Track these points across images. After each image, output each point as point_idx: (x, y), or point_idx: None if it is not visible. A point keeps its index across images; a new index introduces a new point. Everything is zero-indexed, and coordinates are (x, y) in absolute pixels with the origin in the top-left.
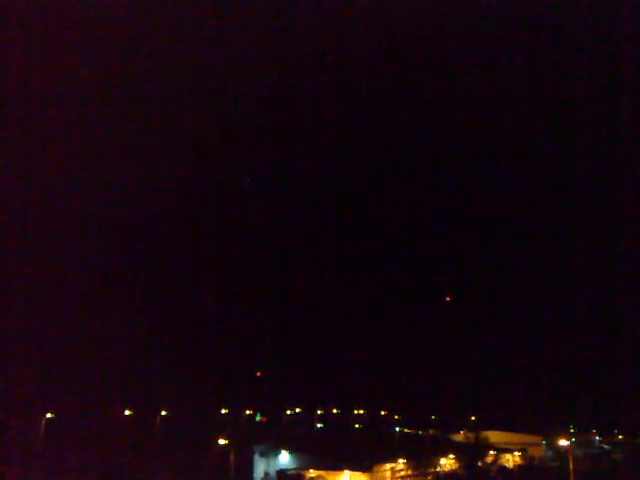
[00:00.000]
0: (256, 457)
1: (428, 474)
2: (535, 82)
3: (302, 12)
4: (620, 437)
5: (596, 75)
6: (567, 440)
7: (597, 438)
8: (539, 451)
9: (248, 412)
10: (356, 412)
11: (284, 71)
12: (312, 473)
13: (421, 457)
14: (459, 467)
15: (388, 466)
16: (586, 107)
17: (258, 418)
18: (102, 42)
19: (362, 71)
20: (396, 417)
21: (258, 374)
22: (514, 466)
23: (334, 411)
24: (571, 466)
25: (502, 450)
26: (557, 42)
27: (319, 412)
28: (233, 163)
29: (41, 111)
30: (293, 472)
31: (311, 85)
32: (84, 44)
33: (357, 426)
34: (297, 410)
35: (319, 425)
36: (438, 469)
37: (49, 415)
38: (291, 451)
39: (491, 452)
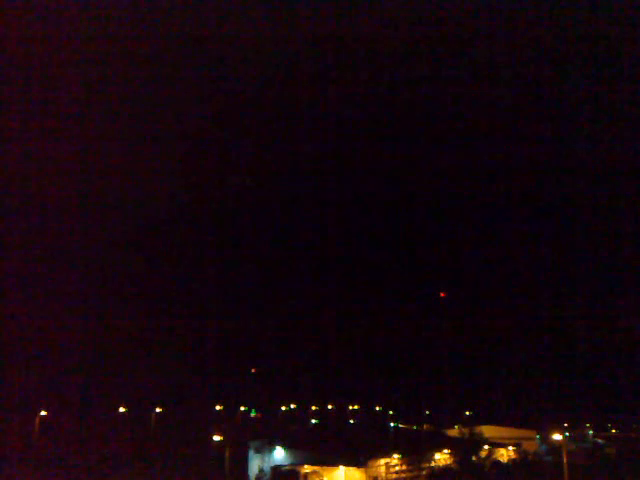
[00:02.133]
0: (251, 453)
1: (422, 469)
2: (535, 82)
3: (302, 11)
4: (613, 431)
5: (597, 75)
6: (561, 434)
7: (590, 432)
8: (533, 445)
9: (243, 408)
10: (351, 408)
11: (285, 71)
12: (307, 469)
13: (415, 452)
14: (453, 462)
15: (383, 461)
16: (587, 107)
17: (253, 414)
18: (101, 41)
19: (362, 70)
20: (391, 412)
21: (253, 370)
22: (508, 460)
23: (329, 407)
24: (564, 460)
25: (496, 445)
26: (558, 42)
27: (314, 408)
28: (234, 163)
29: (43, 112)
30: (288, 468)
31: (311, 84)
32: (83, 42)
33: (352, 422)
34: (292, 406)
35: (314, 421)
36: (432, 464)
37: (43, 412)
38: (286, 447)
39: (485, 447)
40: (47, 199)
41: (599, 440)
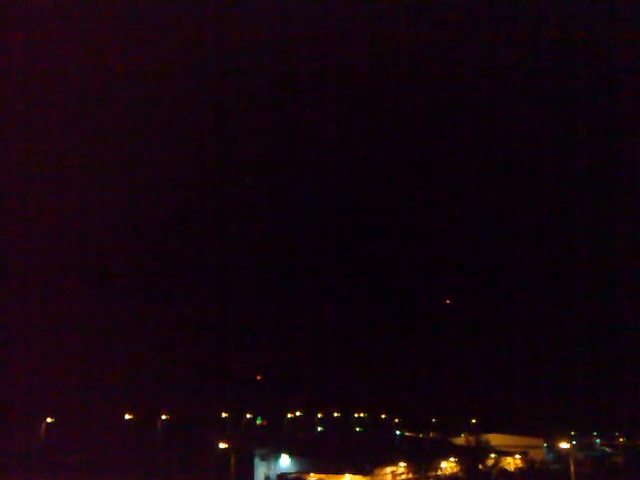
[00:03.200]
0: (257, 461)
1: (429, 477)
2: (534, 86)
3: (304, 14)
4: (620, 440)
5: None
6: (568, 443)
7: (598, 441)
8: (540, 454)
9: (249, 416)
10: (357, 415)
11: (286, 71)
12: (313, 477)
13: (422, 460)
14: (460, 470)
15: (389, 469)
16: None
17: (259, 422)
18: (102, 41)
19: (364, 72)
20: (397, 420)
21: (258, 378)
22: (515, 469)
23: (335, 414)
24: (572, 469)
25: (503, 453)
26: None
27: (320, 415)
28: (235, 163)
29: (42, 111)
30: (294, 475)
31: (313, 85)
32: (84, 43)
33: (358, 429)
34: (298, 414)
35: (320, 428)
36: (439, 472)
37: (49, 420)
38: (292, 455)
39: (492, 455)
40: (48, 198)
41: (606, 449)
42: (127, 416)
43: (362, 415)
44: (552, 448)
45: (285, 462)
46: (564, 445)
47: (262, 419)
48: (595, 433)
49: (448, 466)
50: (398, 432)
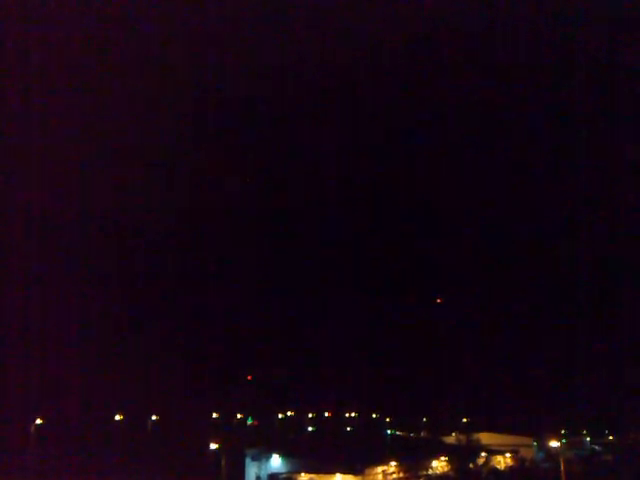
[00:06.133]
0: (248, 461)
1: (419, 476)
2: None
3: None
4: (610, 438)
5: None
6: (558, 441)
7: (588, 439)
8: (530, 452)
9: (239, 416)
10: (348, 415)
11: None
12: (304, 476)
13: (412, 460)
14: (451, 469)
15: (380, 469)
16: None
17: (249, 422)
18: (101, 41)
19: (362, 73)
20: (388, 420)
21: (249, 378)
22: (505, 468)
23: (325, 414)
24: (562, 467)
25: (493, 452)
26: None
27: (310, 415)
28: (234, 163)
29: (40, 111)
30: (285, 476)
31: (313, 85)
32: (84, 43)
33: (349, 429)
34: (289, 414)
35: (310, 428)
36: (430, 471)
37: (38, 421)
38: (283, 455)
39: (482, 454)
40: (45, 200)
41: (596, 447)
42: (117, 417)
43: (353, 415)
44: (542, 447)
45: (276, 462)
46: (554, 444)
47: (253, 419)
48: (585, 431)
49: (439, 465)
50: (389, 431)
